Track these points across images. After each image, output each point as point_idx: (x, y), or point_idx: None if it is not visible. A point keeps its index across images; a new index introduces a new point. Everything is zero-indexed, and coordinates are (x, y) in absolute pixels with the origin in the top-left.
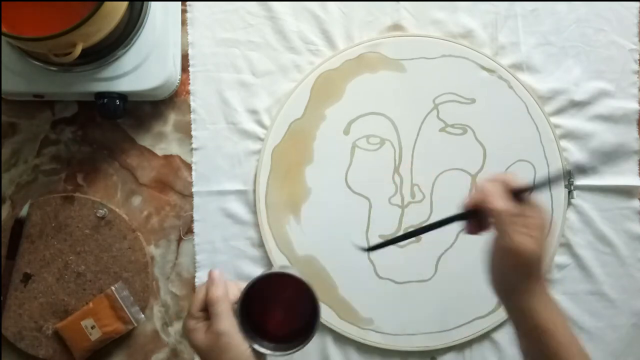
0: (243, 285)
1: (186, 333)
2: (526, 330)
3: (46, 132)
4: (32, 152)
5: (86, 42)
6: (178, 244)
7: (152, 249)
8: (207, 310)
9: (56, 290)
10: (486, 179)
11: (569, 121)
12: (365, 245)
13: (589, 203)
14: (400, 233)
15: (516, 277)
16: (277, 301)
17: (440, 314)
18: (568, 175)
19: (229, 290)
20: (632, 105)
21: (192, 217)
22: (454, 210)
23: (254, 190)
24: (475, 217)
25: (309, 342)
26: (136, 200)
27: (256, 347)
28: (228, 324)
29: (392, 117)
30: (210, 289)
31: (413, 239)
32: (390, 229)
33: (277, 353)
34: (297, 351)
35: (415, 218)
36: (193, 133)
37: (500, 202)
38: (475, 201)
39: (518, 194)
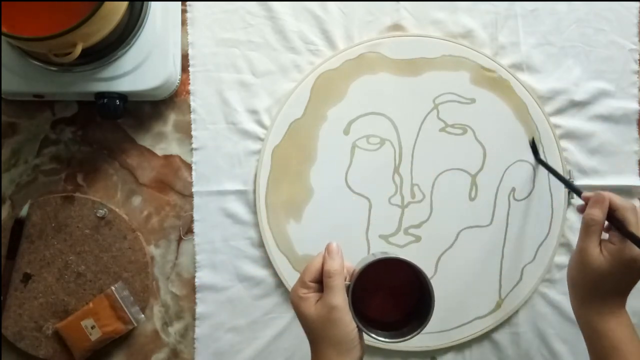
0: (350, 264)
1: (295, 300)
2: (602, 348)
3: (46, 132)
4: (32, 152)
5: (86, 42)
6: (178, 244)
7: (152, 249)
8: (319, 282)
9: (56, 290)
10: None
11: (569, 121)
12: None
13: None
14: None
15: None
16: (381, 288)
17: (440, 314)
18: (568, 175)
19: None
20: (632, 105)
21: (192, 217)
22: (453, 210)
23: (254, 190)
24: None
25: (420, 331)
26: (136, 200)
27: (364, 329)
28: (342, 299)
29: (392, 117)
30: (328, 261)
31: (412, 238)
32: (391, 229)
33: (388, 340)
34: (407, 340)
35: (415, 218)
36: (193, 133)
37: (598, 212)
38: (590, 197)
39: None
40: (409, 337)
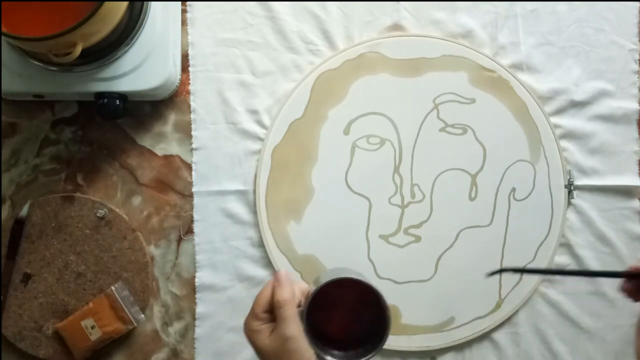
0: (304, 285)
1: (248, 334)
2: None
3: (46, 132)
4: (32, 152)
5: (86, 42)
6: (178, 244)
7: (152, 249)
8: (271, 312)
9: (56, 290)
10: None
11: (569, 121)
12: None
13: (589, 203)
14: (531, 267)
15: None
16: (339, 306)
17: (440, 314)
18: (568, 175)
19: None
20: (632, 105)
21: (192, 217)
22: (453, 210)
23: (254, 190)
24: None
25: (379, 350)
26: (136, 200)
27: (321, 353)
28: (295, 328)
29: (392, 117)
30: (278, 290)
31: (412, 238)
32: (391, 229)
33: None
34: None
35: (415, 218)
36: (193, 133)
37: None
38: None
39: None
40: (364, 359)
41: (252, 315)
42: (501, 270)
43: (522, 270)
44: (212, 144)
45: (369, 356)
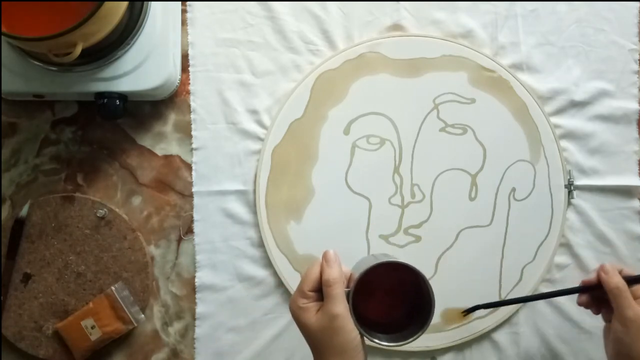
0: (347, 269)
1: (295, 310)
2: None
3: (46, 132)
4: (32, 152)
5: (86, 42)
6: (178, 244)
7: (152, 249)
8: (318, 291)
9: (56, 290)
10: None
11: (569, 121)
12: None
13: (589, 203)
14: (505, 298)
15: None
16: (383, 289)
17: (440, 314)
18: (568, 175)
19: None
20: (632, 105)
21: (192, 217)
22: (453, 210)
23: (254, 190)
24: (591, 292)
25: (422, 332)
26: (136, 200)
27: (367, 335)
28: (343, 307)
29: (392, 117)
30: (327, 270)
31: (412, 238)
32: (390, 229)
33: (392, 344)
34: (409, 342)
35: (415, 218)
36: (193, 133)
37: (616, 278)
38: (595, 279)
39: (630, 283)
40: (410, 340)
41: (300, 293)
42: (476, 307)
43: (497, 304)
44: (212, 144)
45: (413, 338)
